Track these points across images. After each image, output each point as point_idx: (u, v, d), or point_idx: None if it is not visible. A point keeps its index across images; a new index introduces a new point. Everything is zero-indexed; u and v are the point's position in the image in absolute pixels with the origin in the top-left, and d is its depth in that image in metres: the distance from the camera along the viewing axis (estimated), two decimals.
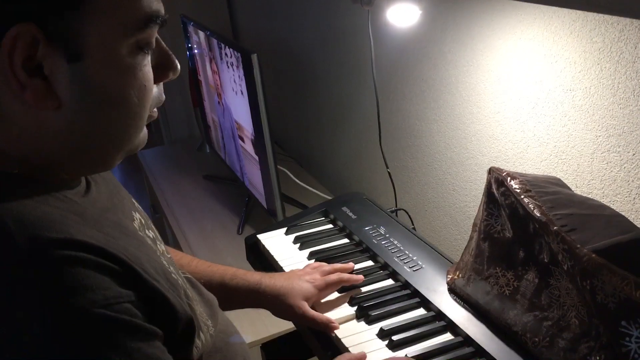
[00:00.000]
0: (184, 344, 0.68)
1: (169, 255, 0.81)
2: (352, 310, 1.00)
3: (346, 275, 1.05)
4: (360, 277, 1.06)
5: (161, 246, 0.80)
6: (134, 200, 0.82)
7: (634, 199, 0.94)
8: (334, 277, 1.04)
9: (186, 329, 0.67)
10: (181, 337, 0.67)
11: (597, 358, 0.74)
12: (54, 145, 0.61)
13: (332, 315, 0.99)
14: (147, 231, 0.76)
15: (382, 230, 1.20)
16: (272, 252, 1.20)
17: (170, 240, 2.14)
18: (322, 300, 1.04)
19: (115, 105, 0.61)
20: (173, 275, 0.70)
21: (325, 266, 1.08)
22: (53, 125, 0.59)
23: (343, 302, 1.03)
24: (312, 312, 0.99)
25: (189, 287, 0.77)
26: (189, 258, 1.05)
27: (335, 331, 0.95)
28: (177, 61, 0.68)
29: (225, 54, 1.63)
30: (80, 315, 0.54)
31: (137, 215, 0.76)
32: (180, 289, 0.70)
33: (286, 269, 1.13)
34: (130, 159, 3.54)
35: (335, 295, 1.05)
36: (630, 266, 0.72)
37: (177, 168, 2.41)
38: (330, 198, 1.76)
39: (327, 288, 1.04)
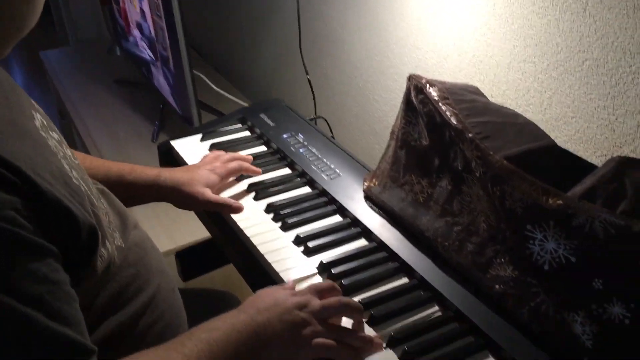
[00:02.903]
0: (88, 253, 0.66)
1: (76, 162, 0.76)
2: (268, 217, 0.99)
3: (246, 164, 1.08)
4: (259, 169, 1.09)
5: (67, 150, 0.75)
6: (33, 102, 0.76)
7: (545, 109, 0.96)
8: (234, 164, 1.07)
9: (89, 238, 0.64)
10: (84, 246, 0.64)
11: (502, 260, 0.78)
12: None
13: (248, 221, 0.98)
14: (50, 132, 0.71)
15: (300, 138, 1.18)
16: (186, 160, 1.16)
17: (80, 147, 2.03)
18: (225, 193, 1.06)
19: None
20: (75, 180, 0.66)
21: (225, 155, 1.10)
22: None
23: (247, 196, 1.05)
24: (215, 196, 1.01)
25: (96, 196, 0.74)
26: (82, 155, 1.00)
27: (252, 239, 0.95)
28: None
29: None
30: None
31: (37, 115, 0.71)
32: (84, 195, 0.66)
33: None
34: (33, 60, 3.31)
35: (239, 188, 1.07)
36: (539, 172, 0.74)
37: (85, 71, 2.26)
38: (248, 105, 1.72)
39: (227, 175, 1.06)
